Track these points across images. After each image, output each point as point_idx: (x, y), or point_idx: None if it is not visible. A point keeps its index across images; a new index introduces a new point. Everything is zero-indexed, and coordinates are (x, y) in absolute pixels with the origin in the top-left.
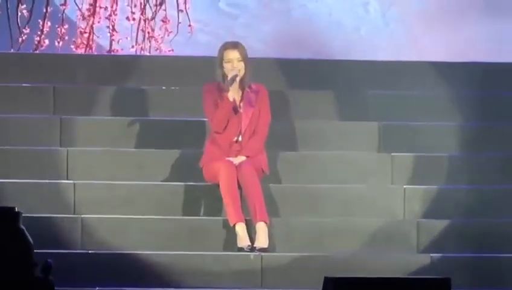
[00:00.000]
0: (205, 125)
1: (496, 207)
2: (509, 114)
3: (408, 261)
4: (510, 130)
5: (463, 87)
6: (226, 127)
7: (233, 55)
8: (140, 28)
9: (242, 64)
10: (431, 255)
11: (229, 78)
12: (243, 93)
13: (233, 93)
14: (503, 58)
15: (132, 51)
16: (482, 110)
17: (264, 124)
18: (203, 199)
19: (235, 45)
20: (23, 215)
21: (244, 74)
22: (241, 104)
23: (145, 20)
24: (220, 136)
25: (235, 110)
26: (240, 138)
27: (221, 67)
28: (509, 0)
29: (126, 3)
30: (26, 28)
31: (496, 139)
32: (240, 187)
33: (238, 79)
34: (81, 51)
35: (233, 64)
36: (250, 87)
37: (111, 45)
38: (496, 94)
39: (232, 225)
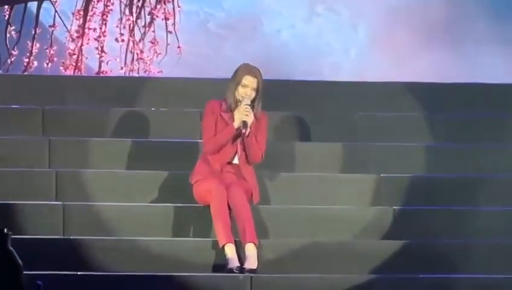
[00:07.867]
0: (194, 146)
1: (500, 230)
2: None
3: (403, 281)
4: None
5: (454, 108)
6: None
7: (251, 83)
8: (129, 49)
9: (254, 93)
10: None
11: (241, 118)
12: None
13: (239, 124)
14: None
15: (121, 72)
16: (483, 132)
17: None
18: (192, 220)
19: (255, 74)
20: (12, 236)
21: (255, 106)
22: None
23: (134, 42)
24: (213, 158)
25: (236, 138)
26: (235, 160)
27: (235, 88)
28: None
29: (115, 25)
30: (16, 49)
31: (496, 162)
32: (229, 208)
33: (248, 126)
34: (70, 72)
35: (247, 92)
36: (255, 116)
37: (100, 66)
38: (497, 116)
39: (221, 246)
